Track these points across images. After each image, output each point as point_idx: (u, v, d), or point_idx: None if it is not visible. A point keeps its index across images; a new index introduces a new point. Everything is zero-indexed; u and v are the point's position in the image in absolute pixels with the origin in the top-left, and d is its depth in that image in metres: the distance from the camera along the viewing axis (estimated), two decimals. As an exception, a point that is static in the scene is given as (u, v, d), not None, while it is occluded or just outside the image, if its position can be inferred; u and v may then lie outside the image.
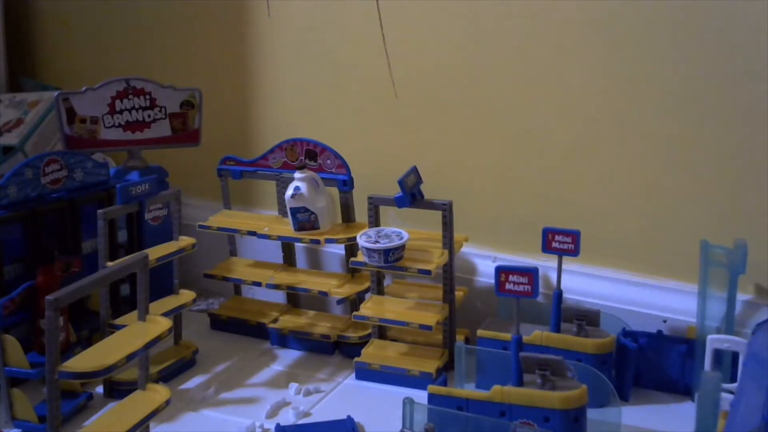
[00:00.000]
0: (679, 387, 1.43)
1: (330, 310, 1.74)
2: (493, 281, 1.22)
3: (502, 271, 1.22)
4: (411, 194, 1.47)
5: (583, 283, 1.56)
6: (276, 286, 1.64)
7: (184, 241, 1.53)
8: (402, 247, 1.45)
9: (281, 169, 1.67)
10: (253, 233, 1.62)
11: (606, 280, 1.56)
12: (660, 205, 1.51)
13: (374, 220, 1.53)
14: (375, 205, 1.52)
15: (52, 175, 1.53)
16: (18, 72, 2.09)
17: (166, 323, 1.23)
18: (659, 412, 1.40)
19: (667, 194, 1.50)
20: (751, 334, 1.31)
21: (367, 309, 1.50)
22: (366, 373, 1.50)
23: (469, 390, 1.31)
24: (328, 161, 1.62)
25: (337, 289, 1.60)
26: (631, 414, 1.35)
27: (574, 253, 1.39)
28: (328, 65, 1.74)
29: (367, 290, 1.59)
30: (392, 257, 1.44)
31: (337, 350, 1.60)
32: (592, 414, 1.24)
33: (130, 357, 1.15)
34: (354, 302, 1.62)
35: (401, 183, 1.44)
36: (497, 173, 1.62)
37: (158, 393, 1.21)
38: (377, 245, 1.44)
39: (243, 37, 1.82)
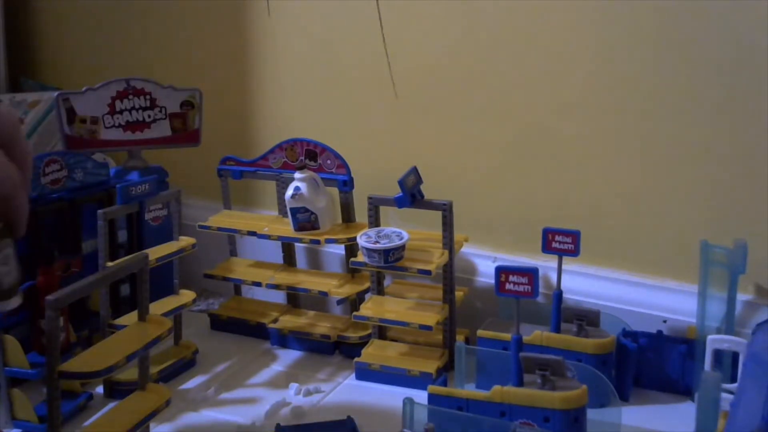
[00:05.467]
0: (679, 387, 1.43)
1: (330, 310, 1.74)
2: (493, 281, 1.22)
3: (502, 271, 1.22)
4: (411, 194, 1.47)
5: (583, 283, 1.55)
6: (276, 286, 1.64)
7: (184, 241, 1.53)
8: (402, 247, 1.45)
9: (281, 169, 1.67)
10: (253, 233, 1.62)
11: (606, 280, 1.55)
12: (660, 205, 1.51)
13: (374, 220, 1.53)
14: (375, 205, 1.52)
15: (52, 175, 1.53)
16: (18, 72, 2.08)
17: (166, 323, 1.22)
18: (659, 412, 1.40)
19: (667, 194, 1.50)
20: (751, 334, 1.30)
21: (367, 309, 1.50)
22: (366, 373, 1.50)
23: (469, 390, 1.30)
24: (328, 161, 1.62)
25: (337, 289, 1.60)
26: (631, 414, 1.35)
27: (574, 253, 1.39)
28: (328, 65, 1.74)
29: (367, 290, 1.59)
30: (392, 257, 1.44)
31: (337, 350, 1.60)
32: (592, 414, 1.23)
33: (130, 357, 1.15)
34: (354, 302, 1.62)
35: (401, 183, 1.44)
36: (497, 173, 1.62)
37: (158, 393, 1.21)
38: (377, 245, 1.44)
39: (243, 37, 1.82)
